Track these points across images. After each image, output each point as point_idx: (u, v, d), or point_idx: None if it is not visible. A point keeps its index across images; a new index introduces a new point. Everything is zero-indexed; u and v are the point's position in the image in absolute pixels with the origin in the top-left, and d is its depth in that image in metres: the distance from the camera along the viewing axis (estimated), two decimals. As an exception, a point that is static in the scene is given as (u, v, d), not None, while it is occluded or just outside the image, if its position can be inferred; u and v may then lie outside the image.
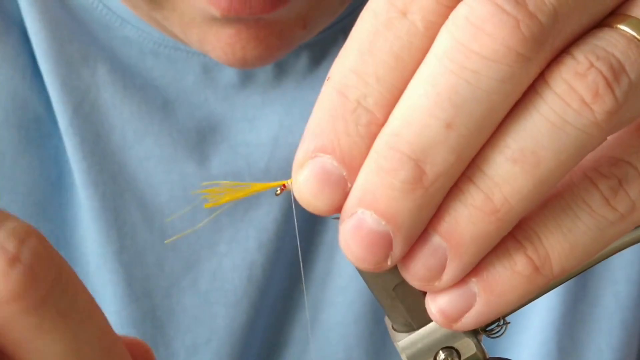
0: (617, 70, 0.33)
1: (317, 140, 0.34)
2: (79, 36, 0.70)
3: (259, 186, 0.38)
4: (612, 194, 0.35)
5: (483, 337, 0.39)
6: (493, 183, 0.34)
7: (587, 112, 0.33)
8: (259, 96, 0.72)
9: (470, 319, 0.36)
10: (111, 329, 0.33)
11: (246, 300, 0.72)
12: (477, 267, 0.35)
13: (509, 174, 0.34)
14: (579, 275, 0.39)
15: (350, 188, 0.34)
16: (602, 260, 0.38)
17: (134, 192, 0.71)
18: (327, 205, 0.35)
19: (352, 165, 0.34)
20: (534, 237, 0.35)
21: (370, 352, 0.74)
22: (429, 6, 0.34)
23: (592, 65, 0.33)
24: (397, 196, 0.33)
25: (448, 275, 0.35)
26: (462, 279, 0.35)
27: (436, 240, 0.34)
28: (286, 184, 0.37)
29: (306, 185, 0.35)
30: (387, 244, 0.34)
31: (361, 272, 0.38)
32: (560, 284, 0.37)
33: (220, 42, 0.63)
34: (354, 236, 0.34)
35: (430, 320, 0.38)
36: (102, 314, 0.33)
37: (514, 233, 0.35)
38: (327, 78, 0.35)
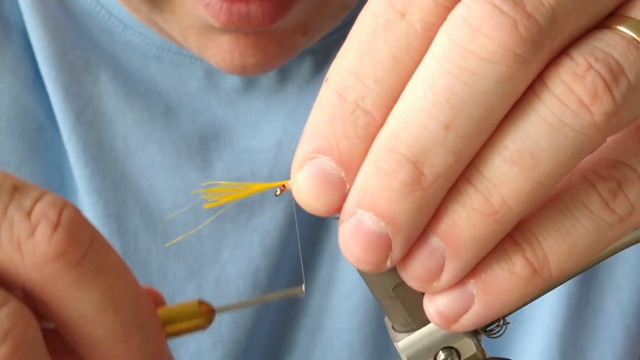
0: (615, 72, 0.33)
1: (315, 141, 0.34)
2: (81, 42, 0.70)
3: (258, 186, 0.38)
4: (611, 197, 0.35)
5: (483, 338, 0.39)
6: (491, 184, 0.34)
7: (585, 114, 0.33)
8: (262, 102, 0.72)
9: (468, 321, 0.36)
10: (137, 282, 0.38)
11: (250, 306, 0.72)
12: (475, 268, 0.35)
13: (507, 176, 0.33)
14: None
15: (349, 189, 0.34)
16: (602, 261, 0.38)
17: (137, 199, 0.70)
18: (326, 206, 0.35)
19: (351, 167, 0.34)
20: (533, 239, 0.35)
21: (374, 358, 0.74)
22: (428, 7, 0.34)
23: (590, 66, 0.33)
24: (396, 197, 0.33)
25: (446, 277, 0.35)
26: (461, 281, 0.35)
27: (435, 241, 0.34)
28: (286, 185, 0.37)
29: (305, 187, 0.35)
30: (386, 244, 0.34)
31: (361, 273, 0.38)
32: (560, 285, 0.37)
33: (219, 49, 0.63)
34: (353, 237, 0.34)
35: (430, 321, 0.38)
36: (130, 270, 0.38)
37: (513, 235, 0.35)
38: (325, 79, 0.35)
